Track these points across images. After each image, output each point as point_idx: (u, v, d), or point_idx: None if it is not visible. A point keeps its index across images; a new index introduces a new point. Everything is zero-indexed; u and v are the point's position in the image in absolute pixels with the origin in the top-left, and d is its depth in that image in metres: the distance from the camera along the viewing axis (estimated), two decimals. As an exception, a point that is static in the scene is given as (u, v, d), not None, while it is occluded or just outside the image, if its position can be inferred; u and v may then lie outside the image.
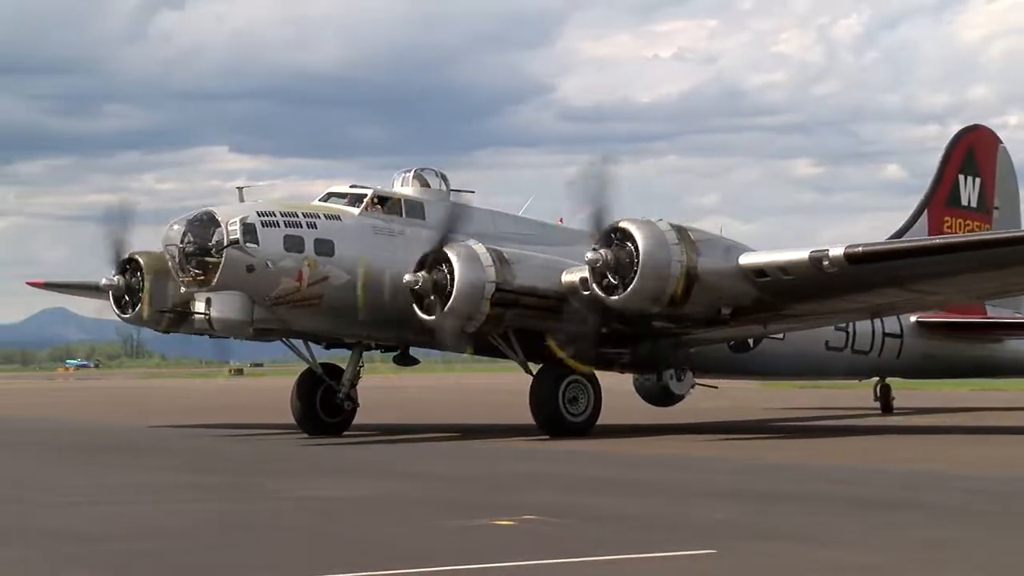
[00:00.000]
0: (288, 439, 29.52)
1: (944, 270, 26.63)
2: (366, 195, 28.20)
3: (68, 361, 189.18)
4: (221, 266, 26.19)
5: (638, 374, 31.88)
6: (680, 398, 30.72)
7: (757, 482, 20.81)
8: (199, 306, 26.67)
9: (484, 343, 28.69)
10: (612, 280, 26.38)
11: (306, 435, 29.96)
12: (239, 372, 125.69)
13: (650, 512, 16.77)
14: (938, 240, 27.32)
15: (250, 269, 26.35)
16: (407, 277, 26.77)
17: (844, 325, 33.54)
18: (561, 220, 30.88)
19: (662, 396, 31.12)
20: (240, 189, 27.93)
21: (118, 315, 30.10)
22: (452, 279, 26.49)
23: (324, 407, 30.37)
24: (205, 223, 26.40)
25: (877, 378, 38.49)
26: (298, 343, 30.37)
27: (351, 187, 28.69)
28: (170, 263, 26.81)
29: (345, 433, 30.30)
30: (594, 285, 26.59)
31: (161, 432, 33.65)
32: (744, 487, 19.97)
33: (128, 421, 39.66)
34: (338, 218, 27.60)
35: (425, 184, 29.12)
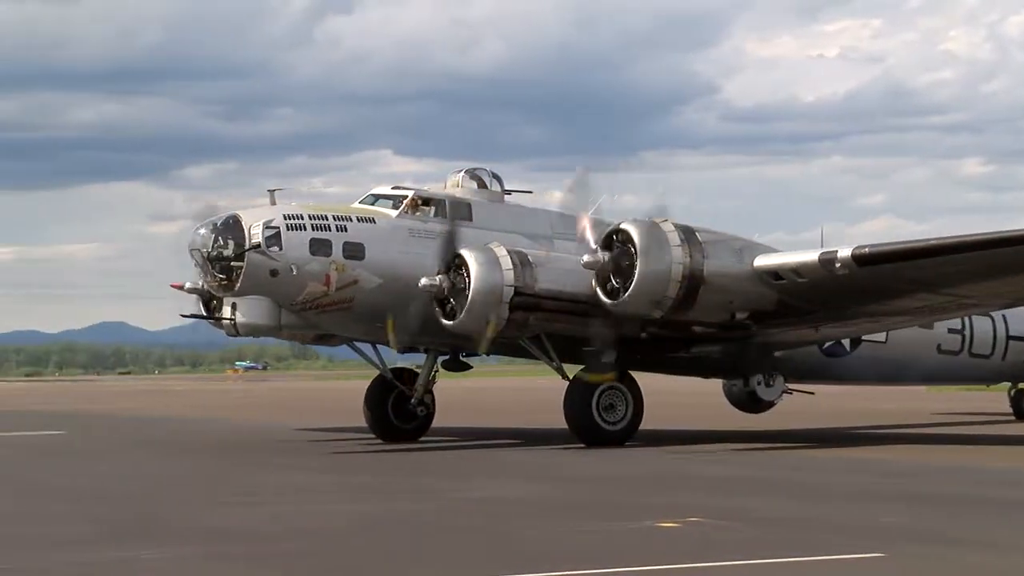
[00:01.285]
0: (433, 443, 29.53)
1: (963, 272, 25.26)
2: (407, 196, 27.44)
3: (237, 363, 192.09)
4: (243, 270, 25.59)
5: (725, 379, 31.00)
6: (770, 404, 29.56)
7: (922, 485, 20.35)
8: (226, 311, 26.41)
9: (516, 347, 27.90)
10: (615, 283, 25.51)
11: (380, 441, 29.49)
12: None
13: (814, 514, 16.45)
14: (946, 240, 25.17)
15: (274, 273, 25.69)
16: (423, 281, 25.93)
17: (959, 327, 31.95)
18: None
19: (750, 402, 30.03)
20: (271, 192, 27.07)
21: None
22: (469, 282, 25.76)
23: (396, 413, 29.83)
24: (230, 227, 25.76)
25: (1009, 383, 36.58)
26: (367, 348, 29.74)
27: (393, 188, 27.89)
28: (196, 267, 26.39)
29: (422, 439, 29.63)
30: (597, 289, 25.70)
31: (316, 434, 33.87)
32: (909, 489, 19.53)
33: (287, 422, 40.01)
34: (372, 220, 26.80)
35: (482, 185, 28.23)
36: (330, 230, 26.24)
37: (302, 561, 13.31)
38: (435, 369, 29.90)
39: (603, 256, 25.48)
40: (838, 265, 25.10)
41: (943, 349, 31.97)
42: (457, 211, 27.29)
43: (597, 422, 26.89)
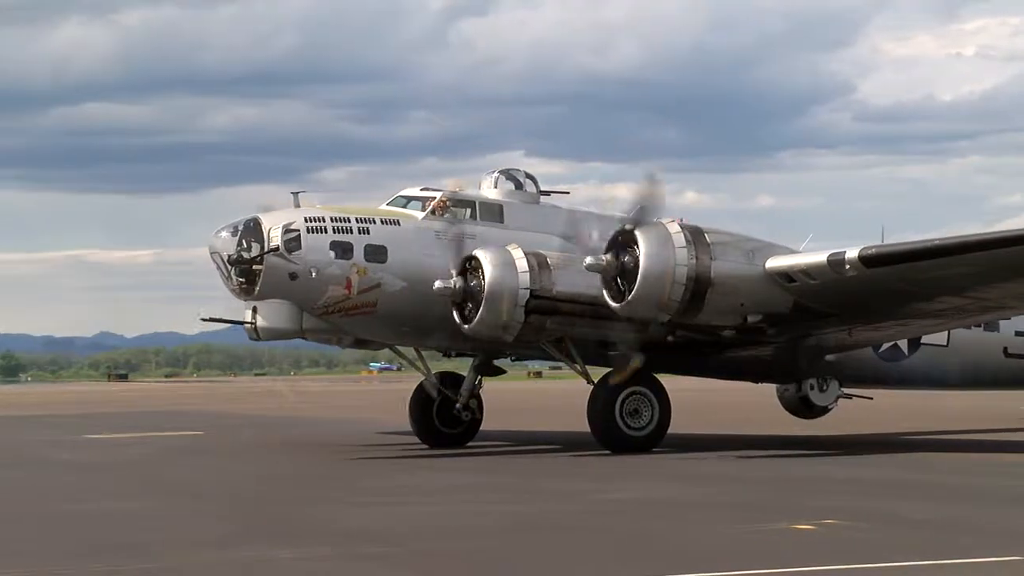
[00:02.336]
0: (560, 447, 29.47)
1: (975, 273, 24.19)
2: (435, 198, 26.91)
3: (372, 364, 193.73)
4: (262, 274, 25.27)
5: (776, 384, 29.81)
6: (824, 410, 28.42)
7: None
8: (247, 315, 25.89)
9: (545, 351, 27.30)
10: (621, 286, 24.79)
11: (426, 446, 29.01)
12: (538, 375, 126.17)
13: (952, 516, 16.19)
14: (951, 240, 24.17)
15: (293, 277, 25.31)
16: (438, 284, 25.41)
17: None
18: (681, 220, 29.25)
19: (803, 408, 28.73)
20: (295, 195, 26.53)
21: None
22: (484, 285, 25.17)
23: (441, 418, 29.15)
24: (250, 230, 25.47)
25: None
26: (411, 352, 29.22)
27: (422, 189, 27.21)
28: (217, 271, 26.02)
29: (469, 444, 29.03)
30: (604, 292, 25.01)
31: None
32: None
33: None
34: (397, 223, 26.31)
35: (519, 186, 27.60)
36: (352, 232, 25.80)
37: (441, 562, 13.35)
38: (479, 375, 29.18)
39: (606, 258, 24.76)
40: (847, 267, 24.30)
41: (1011, 352, 30.44)
42: (488, 213, 26.88)
43: (621, 427, 26.05)
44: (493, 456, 27.30)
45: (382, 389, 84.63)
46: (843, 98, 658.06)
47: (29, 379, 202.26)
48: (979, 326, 29.49)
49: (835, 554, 13.06)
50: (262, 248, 25.18)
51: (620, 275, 24.73)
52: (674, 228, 24.68)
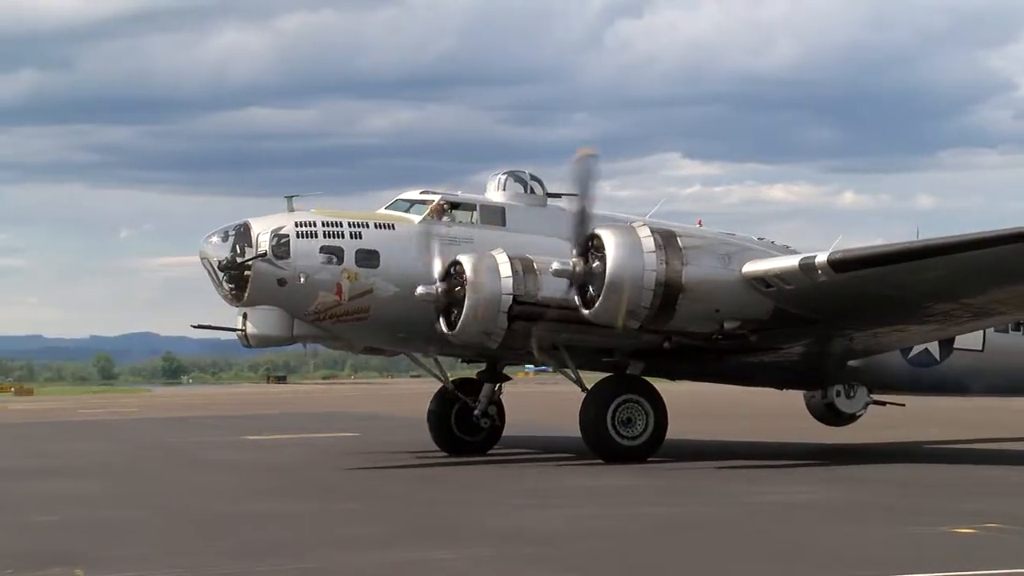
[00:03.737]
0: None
1: (947, 278, 23.12)
2: (432, 201, 26.16)
3: (526, 367, 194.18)
4: (250, 280, 24.75)
5: (801, 390, 29.01)
6: (852, 417, 27.79)
7: None
8: (238, 321, 25.52)
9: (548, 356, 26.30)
10: (592, 292, 23.82)
11: (446, 453, 28.31)
12: None
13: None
14: (916, 243, 23.24)
15: (281, 282, 24.74)
16: (419, 289, 24.64)
17: None
18: (700, 222, 28.12)
19: (829, 415, 28.08)
20: (289, 199, 25.91)
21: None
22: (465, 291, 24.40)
23: (460, 425, 28.54)
24: (240, 235, 24.97)
25: None
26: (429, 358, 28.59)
27: (421, 193, 26.42)
28: (208, 277, 25.49)
29: (489, 452, 28.30)
30: (576, 298, 24.08)
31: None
32: None
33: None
34: (391, 227, 25.57)
35: (526, 188, 26.75)
36: (343, 237, 25.16)
37: (600, 563, 13.38)
38: (485, 381, 28.37)
39: (574, 264, 23.90)
40: (818, 271, 23.38)
41: None
42: (489, 216, 26.14)
43: (612, 436, 25.03)
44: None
45: (538, 391, 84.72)
46: (1004, 96, 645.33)
47: (190, 381, 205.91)
48: (1016, 329, 28.29)
49: (994, 559, 12.88)
50: (249, 254, 24.77)
51: (590, 280, 23.84)
52: (644, 232, 23.78)
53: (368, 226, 25.43)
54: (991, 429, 34.44)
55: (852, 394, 26.74)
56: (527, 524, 16.58)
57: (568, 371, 26.00)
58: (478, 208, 26.37)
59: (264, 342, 25.47)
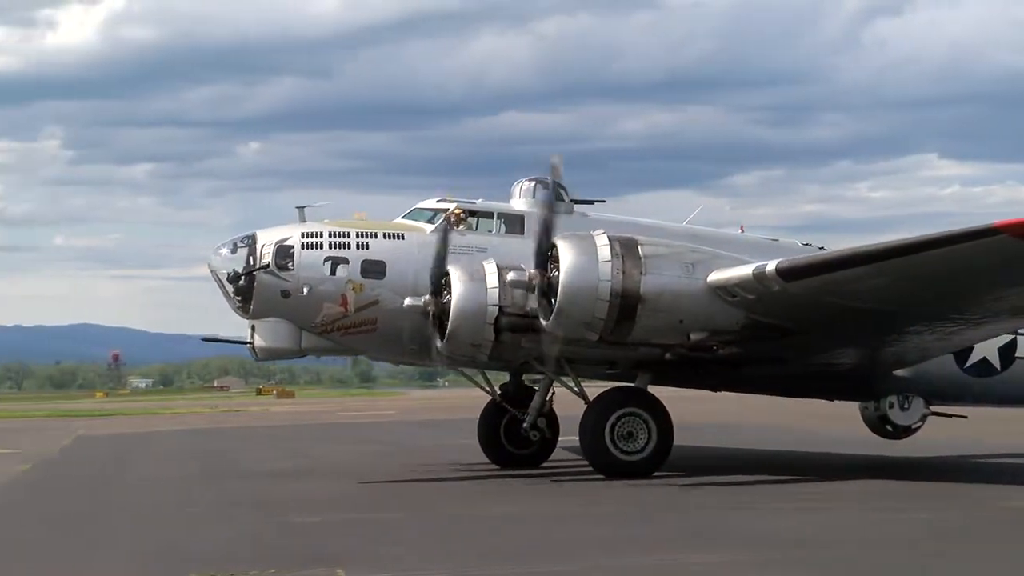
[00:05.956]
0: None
1: (899, 285, 21.38)
2: (447, 210, 25.17)
3: None
4: (255, 292, 24.43)
5: (856, 402, 27.26)
6: (907, 430, 26.16)
7: None
8: (248, 333, 24.98)
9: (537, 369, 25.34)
10: (551, 303, 22.66)
11: (497, 466, 27.20)
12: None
13: None
14: (857, 250, 21.57)
15: (285, 294, 24.37)
16: (408, 301, 23.93)
17: None
18: (742, 228, 27.03)
19: (883, 427, 26.35)
20: (300, 209, 25.28)
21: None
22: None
23: (509, 438, 27.30)
24: (248, 247, 24.65)
25: None
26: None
27: (438, 201, 25.56)
28: (220, 290, 25.09)
29: (543, 464, 26.99)
30: (539, 309, 22.99)
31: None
32: None
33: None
34: (401, 237, 24.93)
35: (559, 196, 25.12)
36: (349, 247, 24.63)
37: (865, 570, 13.21)
38: (551, 391, 27.12)
39: (531, 275, 22.96)
40: (770, 280, 22.01)
41: None
42: (508, 224, 25.17)
43: (612, 451, 23.81)
44: (895, 459, 26.68)
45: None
46: None
47: (446, 384, 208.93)
48: None
49: None
50: (252, 265, 24.53)
51: (549, 291, 22.90)
52: (601, 241, 22.78)
53: (376, 236, 24.89)
54: None
55: (907, 406, 25.63)
56: (786, 528, 16.42)
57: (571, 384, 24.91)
58: (496, 216, 25.55)
59: (272, 355, 25.28)
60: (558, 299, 22.50)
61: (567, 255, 22.61)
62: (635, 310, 22.53)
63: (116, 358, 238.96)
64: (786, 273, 21.86)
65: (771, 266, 22.01)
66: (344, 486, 23.53)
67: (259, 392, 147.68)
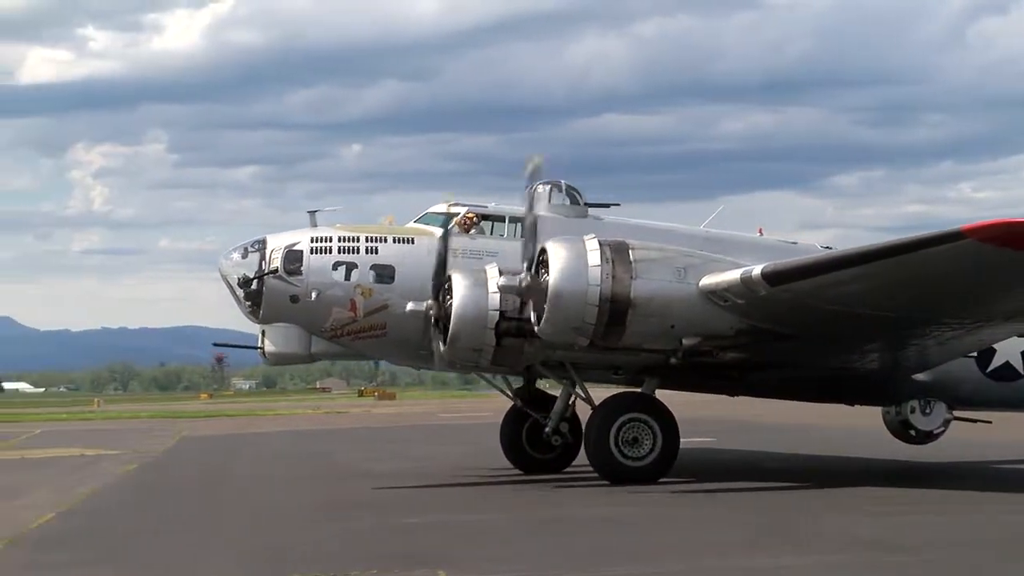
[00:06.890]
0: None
1: (886, 289, 20.96)
2: (458, 215, 25.05)
3: None
4: (264, 297, 24.44)
5: (877, 406, 26.56)
6: (929, 435, 25.32)
7: None
8: (259, 339, 25.01)
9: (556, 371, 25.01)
10: (542, 309, 22.26)
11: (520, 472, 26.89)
12: None
13: None
14: (841, 253, 21.34)
15: (294, 299, 24.38)
16: (409, 306, 23.75)
17: None
18: (760, 231, 26.55)
19: (905, 432, 25.54)
20: (312, 213, 25.25)
21: None
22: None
23: (531, 442, 26.98)
24: (257, 251, 24.67)
25: None
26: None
27: (450, 206, 25.38)
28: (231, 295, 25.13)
29: (565, 471, 26.54)
30: (531, 313, 22.64)
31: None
32: None
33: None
34: (411, 241, 24.84)
35: (567, 199, 25.25)
36: (359, 252, 24.58)
37: (955, 572, 13.19)
38: (573, 396, 26.43)
39: (520, 279, 22.58)
40: (757, 285, 21.59)
41: None
42: (520, 228, 24.50)
43: (616, 457, 23.42)
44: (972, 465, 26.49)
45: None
46: None
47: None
48: None
49: None
50: (260, 270, 24.57)
51: (538, 296, 22.53)
52: (591, 245, 22.45)
53: (386, 240, 24.86)
54: None
55: (929, 411, 24.94)
56: (884, 532, 16.43)
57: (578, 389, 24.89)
58: (508, 220, 25.39)
59: (282, 359, 25.32)
60: (548, 303, 22.22)
61: (556, 259, 22.34)
62: (625, 315, 22.26)
63: (220, 359, 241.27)
64: (771, 277, 21.60)
65: (757, 270, 21.75)
66: (443, 487, 23.81)
67: (361, 394, 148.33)
